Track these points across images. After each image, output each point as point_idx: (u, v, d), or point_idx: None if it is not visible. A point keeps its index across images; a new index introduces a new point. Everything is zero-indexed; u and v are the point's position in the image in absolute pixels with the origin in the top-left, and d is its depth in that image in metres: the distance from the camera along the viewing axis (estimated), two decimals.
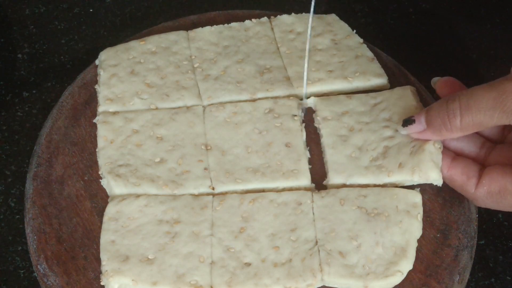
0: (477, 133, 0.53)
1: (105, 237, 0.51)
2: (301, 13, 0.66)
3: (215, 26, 0.65)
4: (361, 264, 0.49)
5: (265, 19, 0.65)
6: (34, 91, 0.67)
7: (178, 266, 0.50)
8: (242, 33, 0.64)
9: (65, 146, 0.57)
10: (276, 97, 0.59)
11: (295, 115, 0.58)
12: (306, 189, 0.54)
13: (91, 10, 0.74)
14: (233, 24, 0.65)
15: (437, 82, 0.54)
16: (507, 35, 0.74)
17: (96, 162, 0.56)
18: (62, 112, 0.60)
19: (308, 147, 0.57)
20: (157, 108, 0.59)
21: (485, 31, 0.74)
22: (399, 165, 0.53)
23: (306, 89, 0.59)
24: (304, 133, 0.57)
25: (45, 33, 0.72)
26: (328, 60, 0.61)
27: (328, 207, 0.52)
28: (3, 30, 0.73)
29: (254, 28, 0.65)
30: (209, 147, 0.56)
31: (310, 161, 0.56)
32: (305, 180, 0.54)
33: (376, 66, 0.61)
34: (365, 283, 0.49)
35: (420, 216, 0.51)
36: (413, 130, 0.52)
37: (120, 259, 0.50)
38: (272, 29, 0.64)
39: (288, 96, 0.59)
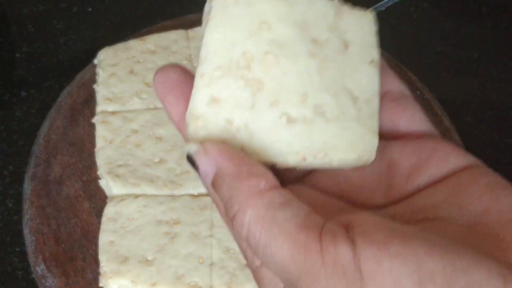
0: None
1: (104, 238, 0.51)
2: None
3: None
4: None
5: None
6: (32, 91, 0.66)
7: (177, 267, 0.49)
8: None
9: (63, 146, 0.57)
10: None
11: None
12: None
13: (89, 10, 0.74)
14: None
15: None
16: (508, 34, 0.73)
17: (95, 163, 0.56)
18: (61, 112, 0.59)
19: None
20: (156, 108, 0.58)
21: (486, 30, 0.73)
22: None
23: None
24: None
25: (44, 33, 0.72)
26: None
27: None
28: (1, 29, 0.72)
29: None
30: None
31: None
32: None
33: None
34: None
35: None
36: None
37: (119, 260, 0.49)
38: None
39: None
